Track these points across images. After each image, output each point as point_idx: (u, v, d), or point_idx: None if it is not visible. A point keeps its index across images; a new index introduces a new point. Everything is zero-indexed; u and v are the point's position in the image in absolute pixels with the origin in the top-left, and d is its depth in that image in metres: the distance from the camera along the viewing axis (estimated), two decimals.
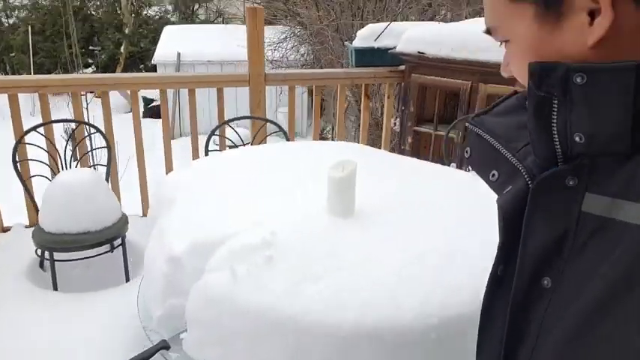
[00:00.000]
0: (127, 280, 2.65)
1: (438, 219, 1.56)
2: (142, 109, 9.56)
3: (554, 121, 0.52)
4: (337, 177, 1.51)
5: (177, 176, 1.98)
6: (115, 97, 8.24)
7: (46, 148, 2.75)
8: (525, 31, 0.54)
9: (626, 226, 0.47)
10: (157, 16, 13.11)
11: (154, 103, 9.44)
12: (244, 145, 2.80)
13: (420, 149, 3.37)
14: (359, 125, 6.63)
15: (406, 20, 5.88)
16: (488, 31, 0.62)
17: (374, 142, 4.45)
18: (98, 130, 2.79)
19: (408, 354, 1.18)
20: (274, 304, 1.23)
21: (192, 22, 12.92)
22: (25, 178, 2.66)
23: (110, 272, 2.72)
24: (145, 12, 13.00)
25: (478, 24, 2.96)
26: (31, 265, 2.68)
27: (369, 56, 3.34)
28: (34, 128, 2.65)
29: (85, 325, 2.17)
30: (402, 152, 3.33)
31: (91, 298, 2.43)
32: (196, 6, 13.64)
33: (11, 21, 11.85)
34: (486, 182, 0.63)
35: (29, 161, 2.72)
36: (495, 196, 0.61)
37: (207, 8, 13.98)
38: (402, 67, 3.26)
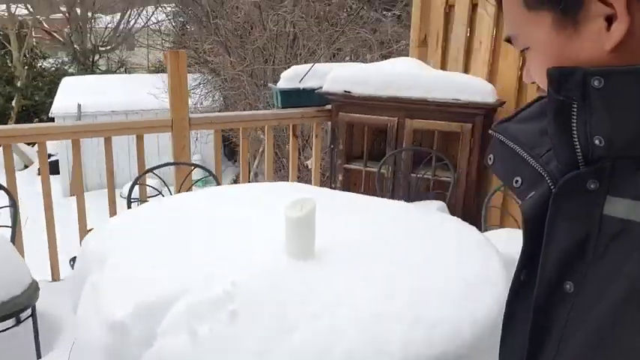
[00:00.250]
0: (39, 356, 2.30)
1: (400, 254, 1.49)
2: (37, 166, 8.88)
3: (574, 125, 0.52)
4: (296, 217, 1.40)
5: (105, 230, 1.77)
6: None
7: None
8: (544, 39, 0.54)
9: None
10: (53, 68, 12.43)
11: (51, 158, 8.79)
12: (171, 193, 2.62)
13: (351, 186, 3.35)
14: (278, 167, 6.57)
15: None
16: (508, 40, 0.62)
17: (302, 182, 4.39)
18: (4, 189, 2.47)
19: None
20: None
21: (93, 72, 12.38)
22: None
23: (16, 349, 2.36)
24: (39, 64, 12.28)
25: (399, 63, 3.02)
26: None
27: (295, 97, 3.30)
28: None
29: None
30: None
31: None
32: (97, 56, 13.12)
33: None
34: (510, 189, 0.62)
35: None
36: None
37: (108, 58, 13.50)
38: (329, 107, 3.26)
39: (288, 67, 6.16)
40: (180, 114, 2.92)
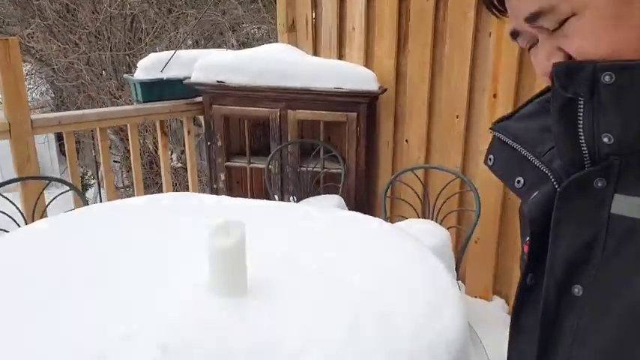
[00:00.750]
0: None
1: (346, 273, 1.32)
2: None
3: (580, 122, 0.50)
4: (225, 246, 1.15)
5: None
6: None
7: None
8: None
9: None
10: None
11: None
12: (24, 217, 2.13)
13: (234, 185, 3.09)
14: (128, 167, 5.94)
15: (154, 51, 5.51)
16: (514, 34, 0.57)
17: (178, 184, 3.98)
18: None
19: None
20: None
21: None
22: None
23: None
24: None
25: (275, 50, 2.81)
26: None
27: (158, 89, 2.92)
28: None
29: None
30: (215, 191, 2.99)
31: None
32: None
33: None
34: (511, 189, 0.61)
35: None
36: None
37: None
38: (200, 99, 2.94)
39: (132, 54, 5.59)
40: (18, 116, 2.38)
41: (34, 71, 5.98)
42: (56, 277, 1.27)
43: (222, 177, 3.00)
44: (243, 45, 5.74)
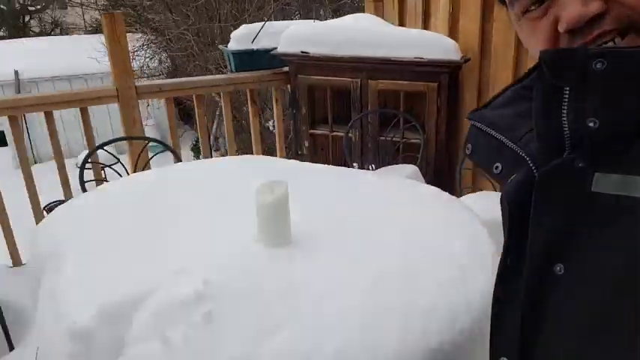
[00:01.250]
0: (11, 348, 2.15)
1: (384, 233, 1.41)
2: None
3: (565, 107, 0.50)
4: (268, 202, 1.29)
5: (57, 223, 1.61)
6: None
7: None
8: None
9: (636, 200, 0.46)
10: None
11: None
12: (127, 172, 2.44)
13: (318, 152, 3.24)
14: (237, 130, 6.34)
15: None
16: None
17: (267, 146, 4.24)
18: None
19: None
20: None
21: (26, 35, 11.52)
22: None
23: None
24: None
25: (359, 20, 2.86)
26: None
27: (249, 59, 3.12)
28: None
29: None
30: (299, 157, 3.17)
31: None
32: (27, 17, 12.21)
33: None
34: (491, 176, 0.62)
35: None
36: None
37: (40, 19, 12.59)
38: (287, 69, 3.10)
39: (237, 24, 5.89)
40: (125, 83, 2.70)
41: (150, 41, 6.53)
42: (138, 217, 1.51)
43: (307, 144, 3.16)
44: (336, 14, 5.81)
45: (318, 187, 1.69)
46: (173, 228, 1.43)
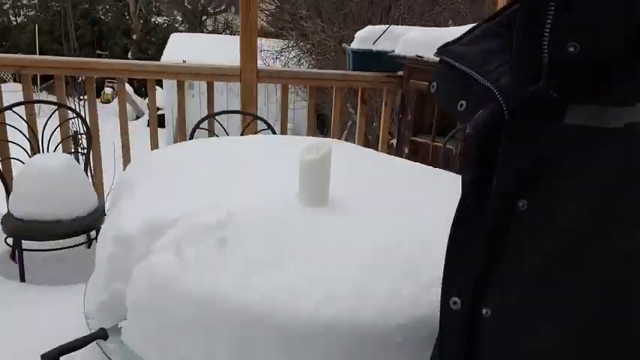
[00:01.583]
0: None
1: (416, 211, 1.41)
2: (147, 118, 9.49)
3: (547, 31, 0.49)
4: (309, 159, 1.37)
5: (143, 161, 1.84)
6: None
7: (24, 130, 2.61)
8: None
9: (612, 132, 0.46)
10: (165, 25, 13.14)
11: (159, 112, 9.38)
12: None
13: (418, 161, 3.23)
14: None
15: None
16: None
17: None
18: (78, 115, 2.66)
19: (366, 357, 1.01)
20: (222, 293, 1.07)
21: (201, 32, 12.93)
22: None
23: (85, 268, 2.56)
24: (153, 19, 13.04)
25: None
26: (1, 255, 2.53)
27: (367, 59, 3.22)
28: (11, 106, 2.52)
29: (45, 321, 2.01)
30: None
31: (59, 292, 2.28)
32: (205, 17, 13.69)
33: (19, 19, 11.86)
34: (454, 114, 0.61)
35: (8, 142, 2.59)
36: None
37: (215, 20, 14.03)
38: (401, 73, 3.14)
39: None
40: (249, 64, 2.95)
41: (295, 45, 6.97)
42: (203, 166, 1.68)
43: (406, 151, 3.17)
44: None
45: (372, 167, 1.74)
46: (230, 179, 1.57)
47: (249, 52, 2.95)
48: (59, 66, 2.77)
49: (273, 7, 9.02)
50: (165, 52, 9.84)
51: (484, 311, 0.55)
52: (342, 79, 3.16)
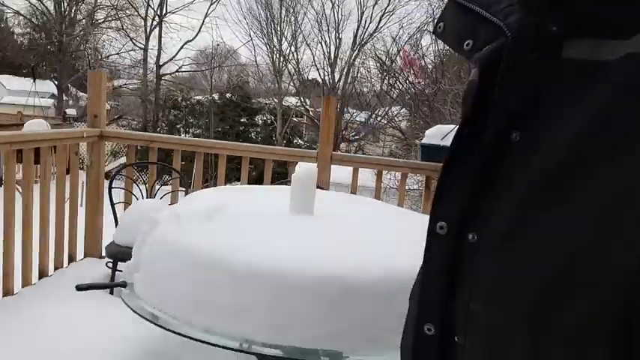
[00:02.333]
0: None
1: (391, 229, 1.69)
2: None
3: None
4: (298, 172, 1.75)
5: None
6: None
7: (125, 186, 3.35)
8: None
9: (607, 64, 0.46)
10: (305, 146, 14.67)
11: None
12: None
13: None
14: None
15: None
16: None
17: None
18: (179, 174, 3.34)
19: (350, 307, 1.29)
20: (203, 248, 1.43)
21: None
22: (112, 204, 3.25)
23: None
24: (295, 140, 14.63)
25: None
26: (105, 275, 3.12)
27: (435, 152, 3.55)
28: (143, 163, 3.29)
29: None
30: None
31: None
32: (342, 144, 14.98)
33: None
34: (461, 54, 0.61)
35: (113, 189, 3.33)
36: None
37: (349, 144, 15.25)
38: None
39: None
40: (324, 151, 3.46)
41: None
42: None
43: None
44: None
45: (355, 203, 2.05)
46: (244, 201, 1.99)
47: (326, 141, 3.48)
48: (177, 142, 3.56)
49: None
50: None
51: (470, 236, 0.55)
52: (411, 166, 3.51)
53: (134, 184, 3.44)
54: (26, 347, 2.16)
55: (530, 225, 0.49)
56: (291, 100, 15.30)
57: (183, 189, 3.37)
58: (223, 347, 1.33)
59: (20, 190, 2.95)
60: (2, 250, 2.77)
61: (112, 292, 2.88)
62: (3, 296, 2.77)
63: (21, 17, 17.44)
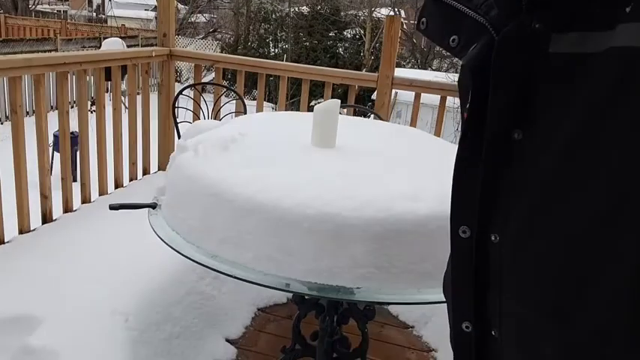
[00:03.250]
0: None
1: (416, 160, 1.68)
2: None
3: None
4: (321, 107, 1.72)
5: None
6: None
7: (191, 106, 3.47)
8: None
9: (596, 56, 0.46)
10: None
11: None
12: None
13: None
14: None
15: None
16: None
17: None
18: (238, 94, 3.41)
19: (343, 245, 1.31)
20: (208, 175, 1.49)
21: (424, 69, 13.64)
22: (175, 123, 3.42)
23: None
24: None
25: None
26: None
27: None
28: (191, 86, 3.40)
29: None
30: None
31: None
32: (431, 56, 14.32)
33: (276, 50, 14.17)
34: (447, 49, 0.62)
35: (179, 109, 3.48)
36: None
37: (441, 60, 14.54)
38: None
39: None
40: (385, 73, 3.34)
41: None
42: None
43: None
44: None
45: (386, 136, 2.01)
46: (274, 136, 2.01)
47: (388, 63, 3.34)
48: (240, 62, 3.59)
49: None
50: None
51: (492, 237, 0.55)
52: None
53: (201, 105, 3.56)
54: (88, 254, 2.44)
55: (548, 220, 0.49)
56: (384, 12, 14.65)
57: (242, 112, 3.45)
58: (229, 275, 1.40)
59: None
60: (78, 164, 3.06)
61: None
62: (82, 203, 3.09)
63: None
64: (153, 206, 1.75)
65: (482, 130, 0.54)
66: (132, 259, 2.39)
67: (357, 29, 14.42)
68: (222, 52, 13.49)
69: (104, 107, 3.11)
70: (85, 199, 3.09)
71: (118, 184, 3.41)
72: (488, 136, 0.54)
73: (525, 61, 0.51)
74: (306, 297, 1.89)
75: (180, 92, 3.40)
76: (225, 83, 3.72)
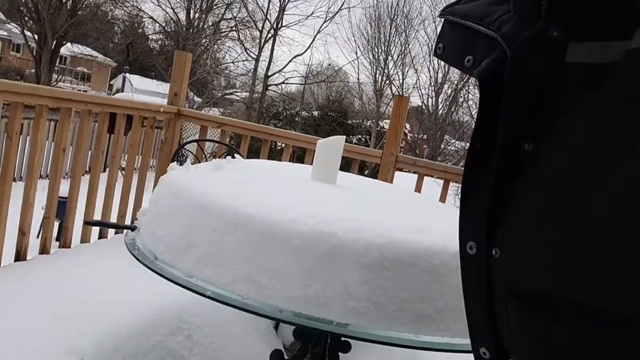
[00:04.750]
0: None
1: (421, 207, 1.53)
2: None
3: None
4: (324, 142, 1.64)
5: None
6: None
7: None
8: None
9: (610, 66, 0.45)
10: None
11: None
12: None
13: None
14: None
15: None
16: None
17: None
18: (233, 149, 3.36)
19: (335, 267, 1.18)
20: (194, 190, 1.37)
21: None
22: None
23: None
24: None
25: None
26: None
27: None
28: (194, 141, 3.37)
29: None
30: None
31: None
32: None
33: None
34: (463, 71, 0.63)
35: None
36: None
37: None
38: None
39: None
40: (390, 150, 3.31)
41: None
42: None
43: None
44: None
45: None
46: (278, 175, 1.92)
47: (394, 141, 3.33)
48: (245, 127, 3.59)
49: None
50: None
51: (494, 252, 0.54)
52: None
53: (200, 162, 3.51)
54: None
55: (555, 232, 0.47)
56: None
57: None
58: (206, 296, 1.24)
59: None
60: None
61: None
62: (60, 247, 2.91)
63: (157, 24, 19.05)
64: (132, 228, 1.61)
65: (491, 141, 0.53)
66: (106, 300, 2.20)
67: (362, 135, 14.91)
68: (230, 140, 13.82)
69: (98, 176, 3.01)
70: (65, 244, 2.92)
71: (102, 236, 3.25)
72: (500, 148, 0.53)
73: (540, 69, 0.50)
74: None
75: (182, 146, 3.36)
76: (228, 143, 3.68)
